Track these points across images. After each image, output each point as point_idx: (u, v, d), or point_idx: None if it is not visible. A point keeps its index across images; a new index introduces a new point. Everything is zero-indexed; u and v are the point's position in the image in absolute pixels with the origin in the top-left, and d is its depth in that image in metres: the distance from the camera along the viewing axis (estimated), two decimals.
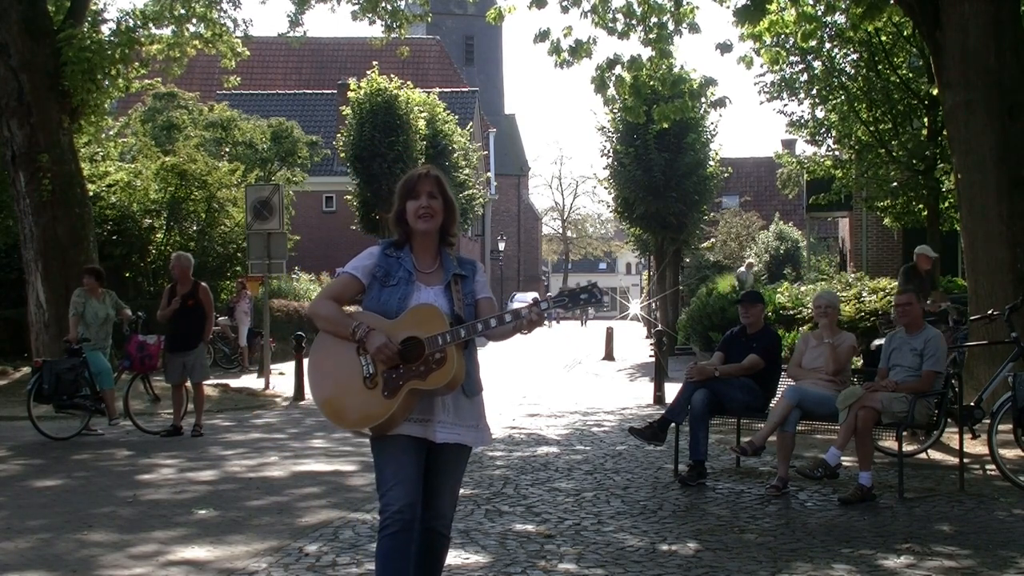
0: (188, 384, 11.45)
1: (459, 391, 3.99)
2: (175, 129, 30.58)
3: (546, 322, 5.53)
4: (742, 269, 27.05)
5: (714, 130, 27.23)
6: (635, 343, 33.11)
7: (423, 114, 32.56)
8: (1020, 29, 11.16)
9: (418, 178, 4.07)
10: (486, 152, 50.34)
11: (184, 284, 11.32)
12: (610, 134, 27.40)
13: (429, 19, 19.60)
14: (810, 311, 13.01)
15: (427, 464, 4.03)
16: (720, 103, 15.06)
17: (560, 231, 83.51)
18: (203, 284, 11.57)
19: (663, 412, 8.56)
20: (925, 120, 17.79)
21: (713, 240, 37.96)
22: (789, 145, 40.79)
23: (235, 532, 6.43)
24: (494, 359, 22.86)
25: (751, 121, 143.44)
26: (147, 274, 21.85)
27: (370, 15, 17.34)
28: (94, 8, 17.11)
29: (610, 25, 14.38)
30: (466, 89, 50.62)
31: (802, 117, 19.98)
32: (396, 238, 4.14)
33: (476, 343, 4.15)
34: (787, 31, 14.85)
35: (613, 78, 14.59)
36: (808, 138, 20.57)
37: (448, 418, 3.98)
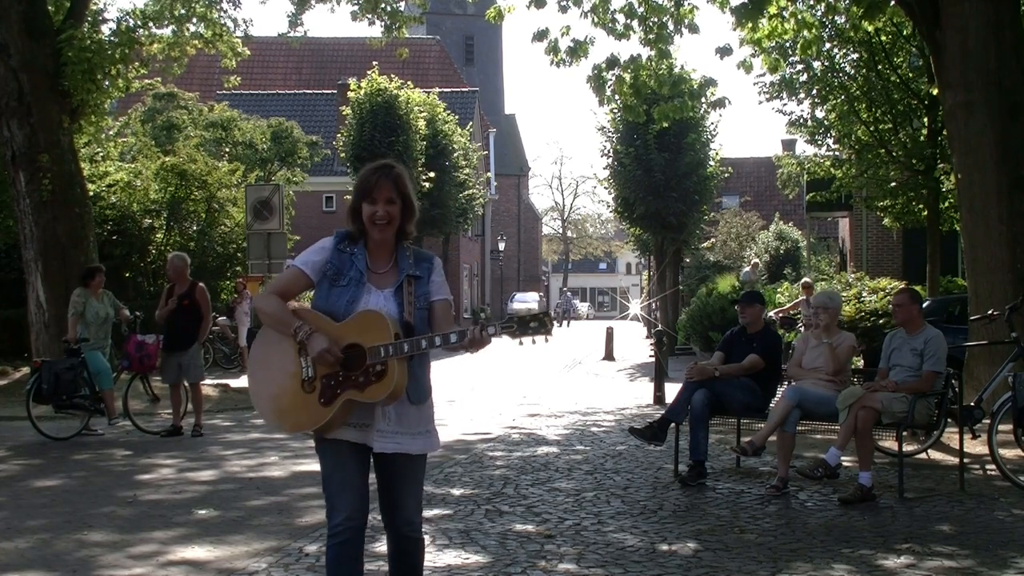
0: (186, 383, 11.46)
1: (404, 398, 3.82)
2: (175, 129, 30.58)
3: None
4: (747, 270, 26.88)
5: (714, 130, 27.29)
6: (635, 343, 33.11)
7: (423, 114, 32.61)
8: (1020, 29, 11.16)
9: (376, 181, 3.85)
10: (486, 152, 50.34)
11: (181, 284, 11.32)
12: (610, 134, 27.42)
13: (423, 21, 19.65)
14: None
15: (382, 473, 3.93)
16: (720, 103, 15.03)
17: (560, 231, 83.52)
18: (200, 284, 11.54)
19: (663, 412, 8.56)
20: (925, 120, 17.77)
21: (713, 240, 37.92)
22: (789, 145, 40.77)
23: (235, 532, 6.43)
24: (494, 359, 22.85)
25: (751, 121, 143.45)
26: (147, 274, 21.84)
27: (370, 15, 17.35)
28: (94, 8, 17.11)
29: (609, 25, 14.37)
30: (466, 89, 50.61)
31: (802, 117, 19.98)
32: (351, 230, 3.96)
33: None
34: (787, 37, 14.83)
35: (612, 78, 14.58)
36: (808, 138, 20.55)
37: (388, 427, 3.83)
